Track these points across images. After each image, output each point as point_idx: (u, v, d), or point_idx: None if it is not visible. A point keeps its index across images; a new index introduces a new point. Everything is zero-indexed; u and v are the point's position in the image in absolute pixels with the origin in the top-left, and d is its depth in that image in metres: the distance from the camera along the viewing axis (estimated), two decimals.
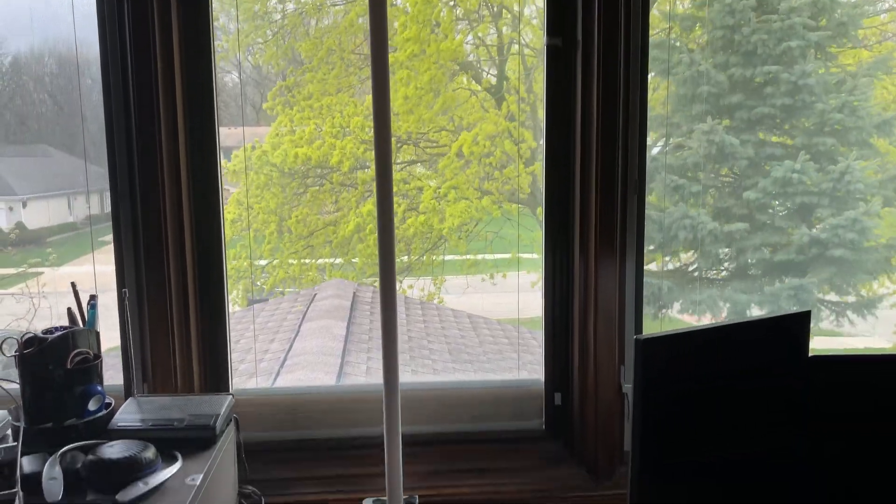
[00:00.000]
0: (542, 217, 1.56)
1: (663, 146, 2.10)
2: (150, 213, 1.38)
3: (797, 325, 1.21)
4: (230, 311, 1.53)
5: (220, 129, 1.47)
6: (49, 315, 1.54)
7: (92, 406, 1.19)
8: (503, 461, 1.54)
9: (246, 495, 1.38)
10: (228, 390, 1.50)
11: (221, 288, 1.49)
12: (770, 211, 2.14)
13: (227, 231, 1.69)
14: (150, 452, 1.08)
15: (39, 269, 1.72)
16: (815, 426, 1.21)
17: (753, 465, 1.17)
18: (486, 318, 2.18)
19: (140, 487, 1.02)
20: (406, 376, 1.62)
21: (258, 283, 1.87)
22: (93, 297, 1.26)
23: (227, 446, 1.26)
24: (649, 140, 1.54)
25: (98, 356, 1.23)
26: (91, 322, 1.25)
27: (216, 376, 1.50)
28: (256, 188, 1.76)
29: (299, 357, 2.31)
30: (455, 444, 1.56)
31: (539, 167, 1.73)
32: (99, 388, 1.20)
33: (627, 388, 1.50)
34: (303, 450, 1.53)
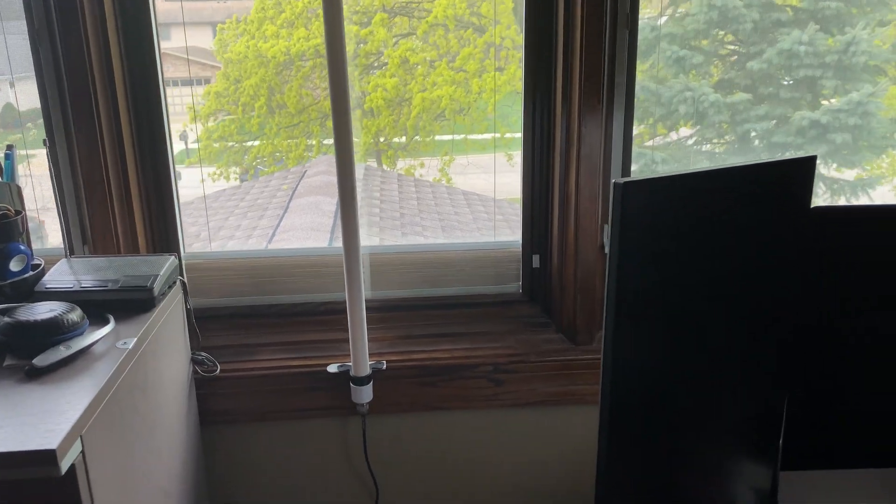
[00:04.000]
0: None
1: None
2: (75, 67, 1.21)
3: (799, 172, 1.08)
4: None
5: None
6: (43, 198, 1.42)
7: (14, 267, 1.08)
8: (478, 325, 1.45)
9: (199, 362, 1.29)
10: (179, 253, 1.40)
11: (164, 145, 1.34)
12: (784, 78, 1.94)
13: (213, 104, 1.55)
14: (76, 314, 0.98)
15: (32, 151, 1.59)
16: (816, 285, 1.11)
17: (743, 330, 1.08)
18: (481, 195, 2.05)
19: (61, 351, 0.92)
20: (373, 240, 1.51)
21: (254, 164, 1.72)
22: (9, 147, 1.12)
23: (171, 310, 1.16)
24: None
25: (19, 212, 1.10)
26: (8, 174, 1.12)
27: (165, 240, 1.39)
28: (243, 65, 1.58)
29: (288, 233, 2.24)
30: (427, 309, 1.47)
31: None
32: (22, 246, 1.09)
33: None
34: (263, 316, 1.44)
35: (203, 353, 1.30)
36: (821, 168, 1.88)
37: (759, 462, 1.21)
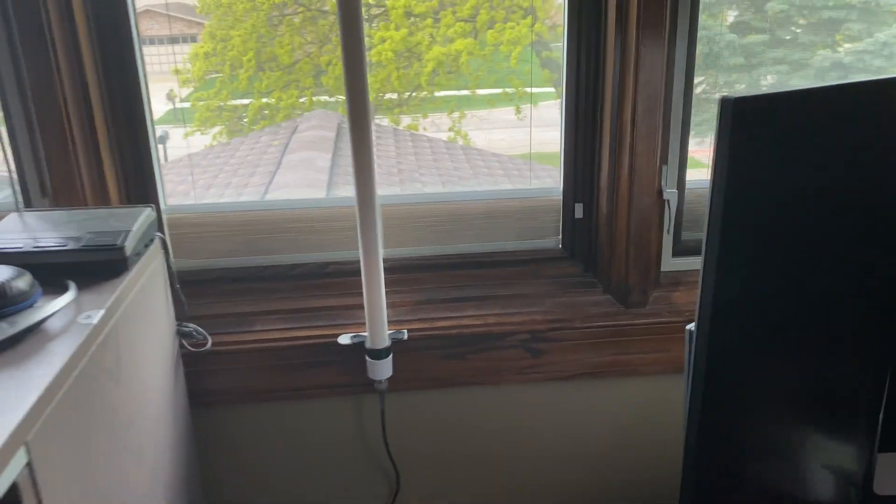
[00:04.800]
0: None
1: None
2: None
3: None
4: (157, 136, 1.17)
5: None
6: None
7: None
8: (511, 287, 1.25)
9: (186, 335, 1.09)
10: (158, 205, 1.18)
11: (137, 88, 1.12)
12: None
13: (202, 65, 1.34)
14: (23, 281, 0.76)
15: None
16: None
17: (853, 287, 0.88)
18: (480, 150, 1.84)
19: (3, 330, 0.71)
20: (392, 189, 1.29)
21: (243, 120, 1.50)
22: None
23: (149, 274, 0.95)
24: None
25: None
26: None
27: (142, 191, 1.17)
28: (231, 17, 1.34)
29: (281, 189, 2.09)
30: (451, 270, 1.26)
31: None
32: None
33: (670, 193, 1.18)
34: (260, 279, 1.23)
35: (190, 325, 1.09)
36: None
37: (855, 442, 1.02)
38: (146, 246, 0.95)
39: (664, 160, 1.16)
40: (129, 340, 0.87)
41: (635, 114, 1.10)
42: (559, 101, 1.22)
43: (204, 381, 1.13)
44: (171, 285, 1.05)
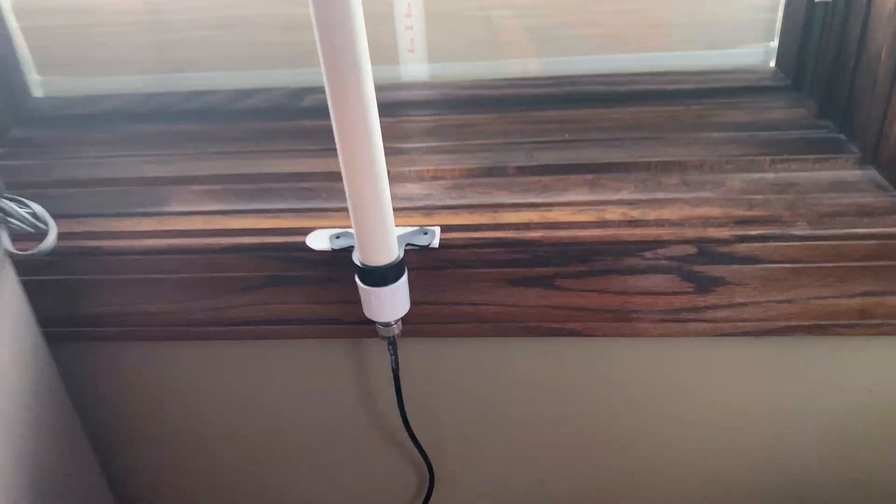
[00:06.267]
0: None
1: None
2: None
3: None
4: None
5: None
6: None
7: None
8: (662, 148, 0.63)
9: (10, 217, 0.55)
10: None
11: None
12: None
13: None
14: None
15: None
16: None
17: None
18: None
19: None
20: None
21: None
22: None
23: None
24: None
25: None
26: None
27: None
28: None
29: None
30: (545, 107, 0.66)
31: None
32: None
33: None
34: (182, 118, 0.68)
35: (16, 199, 0.56)
36: None
37: None
38: None
39: None
40: None
41: None
42: None
43: (78, 302, 0.62)
44: None
